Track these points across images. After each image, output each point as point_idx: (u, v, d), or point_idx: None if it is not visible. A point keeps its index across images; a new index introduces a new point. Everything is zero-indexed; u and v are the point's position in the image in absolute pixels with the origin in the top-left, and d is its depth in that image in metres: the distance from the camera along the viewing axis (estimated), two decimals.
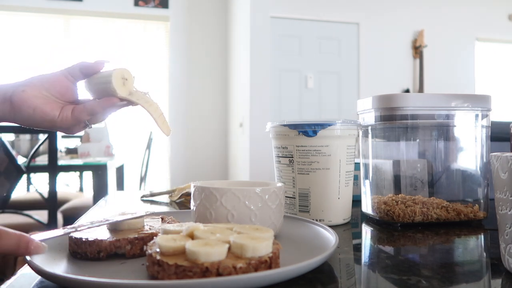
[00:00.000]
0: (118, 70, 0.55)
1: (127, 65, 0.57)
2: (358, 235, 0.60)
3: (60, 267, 0.39)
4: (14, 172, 1.53)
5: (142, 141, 3.74)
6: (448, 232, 0.58)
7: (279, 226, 0.50)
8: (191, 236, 0.39)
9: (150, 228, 0.46)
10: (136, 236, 0.42)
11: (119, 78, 0.54)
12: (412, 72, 4.40)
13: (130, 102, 0.56)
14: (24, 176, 1.58)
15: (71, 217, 2.10)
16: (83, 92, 0.59)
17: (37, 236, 0.40)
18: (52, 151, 1.58)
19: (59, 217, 1.95)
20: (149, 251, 0.36)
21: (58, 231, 0.41)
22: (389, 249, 0.52)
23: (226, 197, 0.47)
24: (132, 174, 3.70)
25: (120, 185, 2.94)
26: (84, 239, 0.41)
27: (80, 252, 0.41)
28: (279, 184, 0.51)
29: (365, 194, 0.69)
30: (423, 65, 4.32)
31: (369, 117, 0.67)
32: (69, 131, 0.58)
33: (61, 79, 0.55)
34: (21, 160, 1.73)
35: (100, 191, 1.97)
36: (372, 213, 0.66)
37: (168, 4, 4.03)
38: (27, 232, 0.67)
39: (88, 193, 2.98)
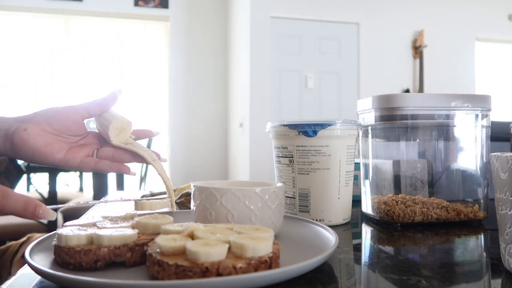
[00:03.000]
0: (118, 121, 0.54)
1: (130, 118, 0.56)
2: (358, 235, 0.60)
3: (59, 267, 0.39)
4: (14, 172, 1.53)
5: (142, 141, 3.73)
6: (448, 232, 0.58)
7: (279, 226, 0.50)
8: (192, 236, 0.39)
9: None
10: (137, 242, 0.40)
11: (117, 127, 0.54)
12: (412, 72, 4.40)
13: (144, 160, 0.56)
14: (24, 176, 1.58)
15: (71, 217, 2.10)
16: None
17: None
18: None
19: (59, 217, 1.95)
20: (149, 251, 0.36)
21: (69, 204, 0.40)
22: (389, 249, 0.52)
23: (226, 197, 0.47)
24: None
25: (120, 185, 2.95)
26: (78, 249, 0.38)
27: (74, 263, 0.38)
28: (279, 184, 0.51)
29: (365, 194, 0.69)
30: (423, 65, 4.32)
31: (369, 117, 0.67)
32: (72, 170, 0.57)
33: (69, 113, 0.52)
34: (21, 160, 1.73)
35: (100, 191, 1.97)
36: (372, 213, 0.66)
37: (168, 4, 4.03)
38: (25, 234, 0.67)
39: (88, 193, 2.98)
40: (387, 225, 0.62)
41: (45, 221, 1.71)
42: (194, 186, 0.50)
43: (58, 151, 0.52)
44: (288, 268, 0.34)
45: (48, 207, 0.40)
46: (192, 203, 0.51)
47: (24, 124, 0.50)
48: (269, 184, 0.53)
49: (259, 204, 0.47)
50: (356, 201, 0.72)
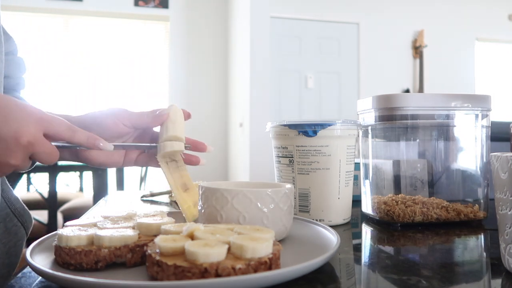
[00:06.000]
0: (170, 149, 0.54)
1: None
2: (358, 235, 0.60)
3: (60, 267, 0.39)
4: (14, 172, 1.53)
5: None
6: (448, 232, 0.58)
7: (289, 228, 0.49)
8: (191, 236, 0.38)
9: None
10: (138, 243, 0.40)
11: (167, 151, 0.54)
12: (412, 72, 4.39)
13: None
14: (24, 176, 1.58)
15: (71, 217, 2.10)
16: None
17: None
18: None
19: (59, 217, 1.95)
20: (149, 251, 0.36)
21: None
22: (389, 249, 0.52)
23: (238, 199, 0.45)
24: (132, 174, 3.70)
25: (120, 185, 2.94)
26: (79, 249, 0.38)
27: (74, 263, 0.38)
28: (288, 185, 0.50)
29: (365, 194, 0.69)
30: (423, 65, 4.32)
31: (369, 117, 0.67)
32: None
33: (107, 118, 0.54)
34: None
35: (100, 191, 1.97)
36: (372, 213, 0.66)
37: (168, 4, 4.03)
38: (26, 233, 0.68)
39: (88, 193, 2.98)
40: (387, 225, 0.62)
41: (44, 221, 1.71)
42: (202, 187, 0.49)
43: (118, 160, 0.57)
44: (288, 269, 0.34)
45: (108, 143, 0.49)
46: (200, 204, 0.49)
47: None
48: (277, 186, 0.52)
49: (271, 205, 0.46)
50: (356, 201, 0.72)
